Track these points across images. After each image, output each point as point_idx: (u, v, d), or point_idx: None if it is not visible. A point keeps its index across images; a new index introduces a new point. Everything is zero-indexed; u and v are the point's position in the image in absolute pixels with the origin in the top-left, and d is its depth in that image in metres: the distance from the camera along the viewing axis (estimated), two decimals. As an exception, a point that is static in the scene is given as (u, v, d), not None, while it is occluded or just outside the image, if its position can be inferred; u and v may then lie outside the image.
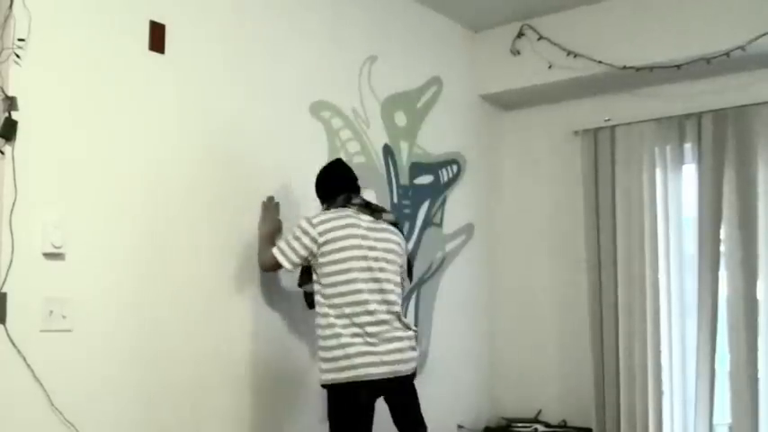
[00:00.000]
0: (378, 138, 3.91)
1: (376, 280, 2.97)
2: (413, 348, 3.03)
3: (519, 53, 4.44)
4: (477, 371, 4.52)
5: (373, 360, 2.88)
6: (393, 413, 3.02)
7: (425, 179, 4.22)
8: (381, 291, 2.97)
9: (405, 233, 3.73)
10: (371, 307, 2.93)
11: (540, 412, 4.43)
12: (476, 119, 4.63)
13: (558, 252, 4.59)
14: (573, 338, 4.43)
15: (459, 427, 4.25)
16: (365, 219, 3.06)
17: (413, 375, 3.04)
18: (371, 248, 2.99)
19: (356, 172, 3.72)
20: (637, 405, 4.08)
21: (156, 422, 2.81)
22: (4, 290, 2.41)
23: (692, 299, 4.03)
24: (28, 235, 2.47)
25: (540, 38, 4.36)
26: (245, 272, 3.18)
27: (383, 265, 3.01)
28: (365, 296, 2.93)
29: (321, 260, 2.96)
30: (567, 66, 4.24)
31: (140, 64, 2.86)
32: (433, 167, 4.28)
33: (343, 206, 3.07)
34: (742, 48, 3.72)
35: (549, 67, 4.30)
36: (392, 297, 3.00)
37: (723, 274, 3.96)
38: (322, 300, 2.96)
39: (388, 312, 2.97)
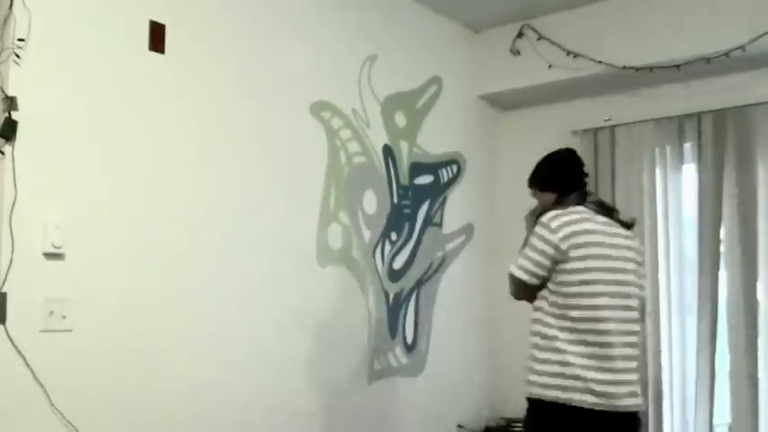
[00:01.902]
0: (378, 138, 3.91)
1: (620, 301, 2.63)
2: (637, 383, 2.66)
3: (519, 53, 4.44)
4: (478, 371, 4.51)
5: (606, 390, 2.55)
6: None
7: (425, 179, 4.22)
8: (622, 326, 2.62)
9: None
10: (610, 326, 2.59)
11: (540, 412, 4.42)
12: (476, 119, 4.63)
13: (557, 252, 4.58)
14: (573, 338, 4.42)
15: (459, 427, 4.25)
16: (601, 220, 2.73)
17: (637, 416, 2.66)
18: (611, 258, 2.65)
19: (356, 172, 3.75)
20: (637, 405, 4.08)
21: (155, 422, 2.81)
22: (4, 290, 2.41)
23: (692, 299, 4.03)
24: (28, 235, 2.47)
25: (540, 38, 4.36)
26: (242, 269, 3.18)
27: (627, 278, 2.67)
28: (606, 314, 2.60)
29: (562, 268, 2.64)
30: (567, 66, 4.24)
31: (140, 64, 2.86)
32: (432, 167, 4.28)
33: (577, 204, 2.76)
34: (742, 48, 3.72)
35: (549, 67, 4.30)
36: (631, 337, 2.64)
37: (723, 274, 3.95)
38: (548, 308, 2.65)
39: (626, 347, 2.62)
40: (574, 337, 2.60)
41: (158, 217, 2.88)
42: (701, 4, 3.89)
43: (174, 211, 2.94)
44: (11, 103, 2.45)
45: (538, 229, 2.72)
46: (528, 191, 3.01)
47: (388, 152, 3.97)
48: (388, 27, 4.04)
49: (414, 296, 4.09)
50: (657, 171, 4.19)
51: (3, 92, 2.46)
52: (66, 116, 2.61)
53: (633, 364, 2.65)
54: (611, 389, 2.56)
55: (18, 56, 2.48)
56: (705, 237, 3.99)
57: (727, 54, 3.77)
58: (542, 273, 2.68)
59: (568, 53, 4.22)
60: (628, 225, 2.82)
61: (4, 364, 2.40)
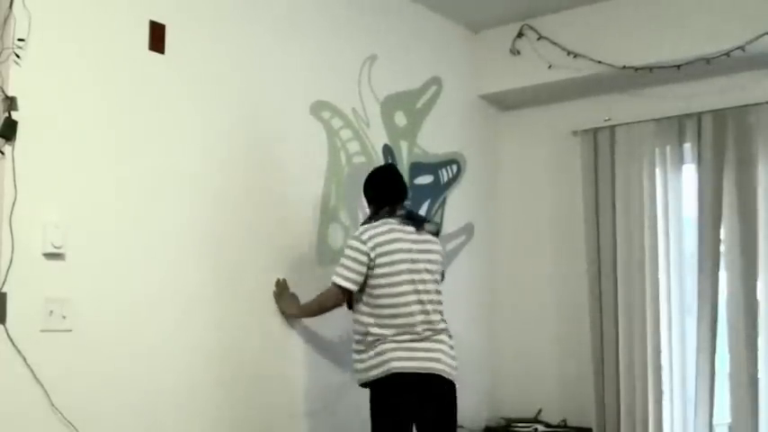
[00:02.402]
0: (378, 138, 3.91)
1: (418, 295, 3.08)
2: (452, 357, 3.12)
3: (519, 53, 4.44)
4: (478, 371, 4.51)
5: (407, 355, 3.00)
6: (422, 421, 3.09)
7: (425, 179, 4.22)
8: (424, 311, 3.09)
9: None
10: (416, 320, 3.06)
11: (540, 412, 4.43)
12: (475, 119, 4.63)
13: (557, 252, 4.59)
14: (573, 338, 4.42)
15: (460, 426, 4.24)
16: (408, 230, 3.15)
17: (452, 383, 3.11)
18: (414, 261, 3.11)
19: (356, 172, 3.75)
20: (637, 405, 4.08)
21: (155, 422, 2.81)
22: (4, 290, 2.41)
23: (692, 299, 4.03)
24: (28, 235, 2.47)
25: (540, 38, 4.36)
26: (242, 268, 3.18)
27: (425, 277, 3.12)
28: (411, 308, 3.06)
29: (373, 272, 3.06)
30: (567, 66, 4.24)
31: (140, 64, 2.86)
32: (433, 167, 4.28)
33: (387, 217, 3.17)
34: (742, 48, 3.72)
35: (549, 67, 4.30)
36: (433, 316, 3.11)
37: (723, 274, 3.95)
38: (365, 308, 3.08)
39: (429, 330, 3.08)
40: (387, 331, 3.06)
41: (158, 217, 2.88)
42: (701, 4, 3.89)
43: (175, 210, 2.94)
44: (11, 103, 2.45)
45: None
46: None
47: (388, 152, 3.97)
48: (388, 27, 4.04)
49: (414, 296, 4.08)
50: (657, 171, 4.18)
51: (3, 92, 2.46)
52: (66, 116, 2.61)
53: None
54: (409, 354, 3.03)
55: (18, 56, 2.48)
56: (705, 237, 3.99)
57: (727, 54, 3.77)
58: (360, 278, 3.08)
59: (568, 53, 4.22)
60: (434, 233, 3.27)
61: (4, 364, 2.40)
